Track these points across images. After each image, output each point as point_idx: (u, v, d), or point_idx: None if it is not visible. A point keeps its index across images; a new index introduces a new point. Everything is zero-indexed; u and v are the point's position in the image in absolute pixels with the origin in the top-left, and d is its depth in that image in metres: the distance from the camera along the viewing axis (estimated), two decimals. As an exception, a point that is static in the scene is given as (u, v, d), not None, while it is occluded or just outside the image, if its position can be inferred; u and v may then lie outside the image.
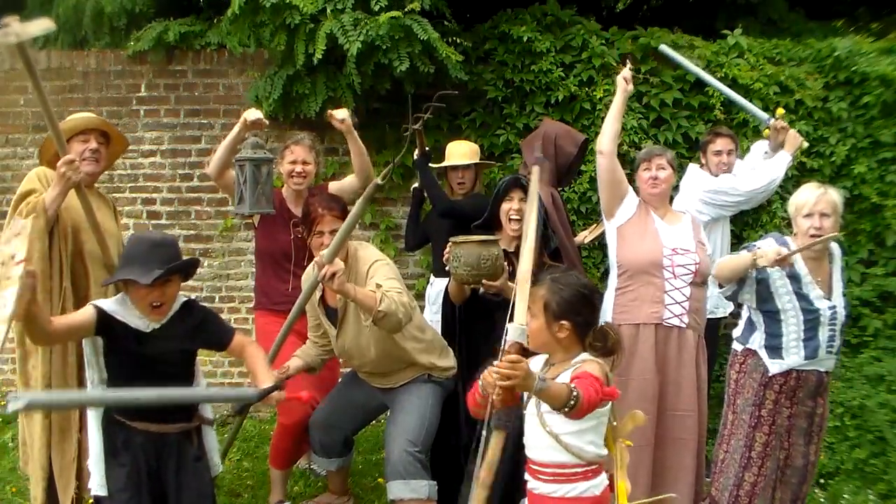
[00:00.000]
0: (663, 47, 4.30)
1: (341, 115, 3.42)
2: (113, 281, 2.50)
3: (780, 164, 3.92)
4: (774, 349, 2.97)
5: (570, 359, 2.16)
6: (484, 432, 2.02)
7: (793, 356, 2.94)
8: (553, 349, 2.20)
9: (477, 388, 2.08)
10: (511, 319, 2.00)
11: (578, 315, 2.16)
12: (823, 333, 2.93)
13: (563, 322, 2.15)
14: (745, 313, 3.17)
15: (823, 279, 2.98)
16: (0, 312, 2.24)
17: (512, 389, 1.91)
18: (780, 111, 3.99)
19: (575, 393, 1.92)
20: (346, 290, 2.69)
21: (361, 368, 3.19)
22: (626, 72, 3.33)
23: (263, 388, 2.44)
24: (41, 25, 2.53)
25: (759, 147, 4.19)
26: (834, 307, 2.95)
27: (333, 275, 2.62)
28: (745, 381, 3.04)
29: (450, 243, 3.01)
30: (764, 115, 4.08)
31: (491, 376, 1.93)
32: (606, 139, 3.25)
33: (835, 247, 3.08)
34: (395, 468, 2.93)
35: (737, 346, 3.14)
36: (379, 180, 2.68)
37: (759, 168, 4.01)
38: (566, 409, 1.93)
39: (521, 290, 2.02)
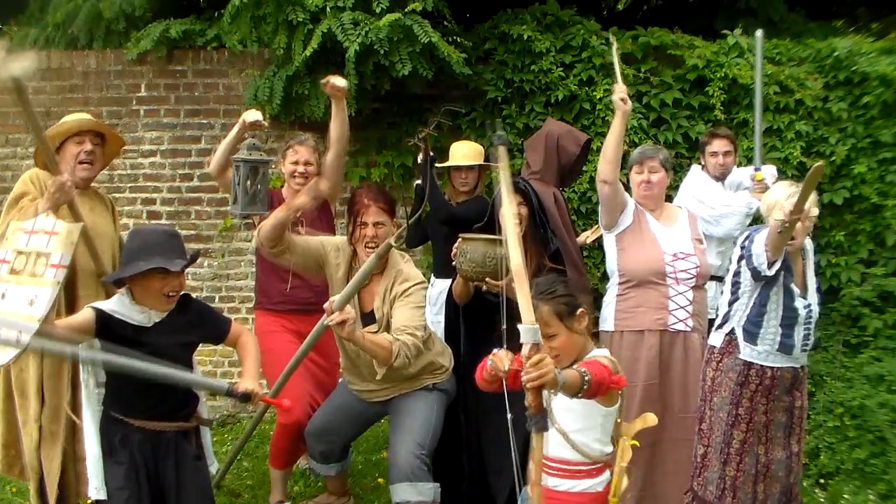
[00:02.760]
0: (759, 35, 4.07)
1: (342, 82, 3.23)
2: (134, 272, 2.38)
3: (745, 201, 3.89)
4: (751, 335, 2.97)
5: (583, 356, 2.21)
6: (511, 434, 1.99)
7: (766, 346, 2.93)
8: (582, 348, 2.23)
9: (485, 366, 2.11)
10: (519, 320, 1.93)
11: (574, 296, 2.24)
12: (799, 333, 2.92)
13: (579, 310, 2.21)
14: (723, 308, 3.11)
15: (798, 278, 2.97)
16: (28, 309, 2.27)
17: (540, 391, 1.87)
18: (759, 176, 3.93)
19: (587, 377, 1.95)
20: (355, 338, 2.64)
21: (363, 382, 3.14)
22: (622, 90, 3.20)
23: (238, 391, 2.45)
24: (23, 63, 2.50)
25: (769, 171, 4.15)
26: (809, 306, 2.94)
27: (343, 322, 2.57)
28: (722, 379, 3.02)
29: (459, 239, 3.03)
30: (754, 166, 4.00)
31: (500, 361, 1.99)
32: (610, 168, 3.18)
33: (808, 243, 3.06)
34: (401, 471, 2.92)
35: (714, 341, 3.11)
36: (392, 241, 2.69)
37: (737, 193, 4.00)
38: (580, 394, 1.97)
39: (521, 287, 1.94)
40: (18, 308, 2.36)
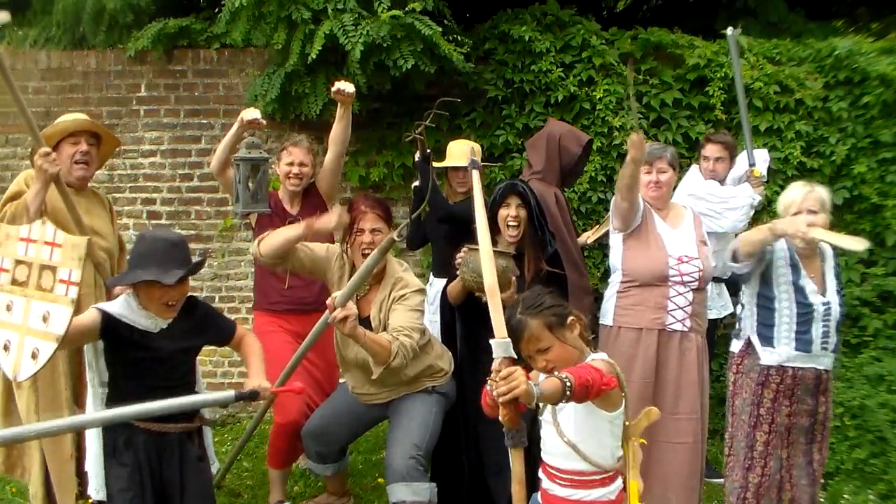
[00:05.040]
0: (731, 32, 4.09)
1: (350, 88, 3.33)
2: (131, 282, 2.41)
3: (748, 192, 3.93)
4: (766, 338, 2.98)
5: (581, 362, 2.16)
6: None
7: (784, 346, 2.94)
8: (579, 355, 2.19)
9: (486, 392, 2.06)
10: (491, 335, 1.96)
11: (563, 305, 2.20)
12: (817, 329, 2.93)
13: (569, 320, 2.17)
14: (739, 309, 3.17)
15: (816, 276, 2.98)
16: (42, 326, 2.28)
17: (516, 405, 1.89)
18: (757, 172, 3.99)
19: (569, 382, 1.90)
20: (356, 335, 2.65)
21: (363, 384, 3.14)
22: (635, 137, 3.09)
23: (246, 391, 2.47)
24: None
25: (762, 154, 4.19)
26: (828, 303, 2.95)
27: (345, 319, 2.58)
28: (743, 381, 3.04)
29: (465, 248, 3.03)
30: (750, 160, 4.05)
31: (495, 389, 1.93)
32: (634, 195, 3.16)
33: (825, 247, 3.07)
34: (398, 471, 2.92)
35: (734, 348, 3.13)
36: (395, 236, 2.70)
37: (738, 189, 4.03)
38: (564, 399, 1.92)
39: (493, 302, 1.98)
40: (31, 323, 2.32)
